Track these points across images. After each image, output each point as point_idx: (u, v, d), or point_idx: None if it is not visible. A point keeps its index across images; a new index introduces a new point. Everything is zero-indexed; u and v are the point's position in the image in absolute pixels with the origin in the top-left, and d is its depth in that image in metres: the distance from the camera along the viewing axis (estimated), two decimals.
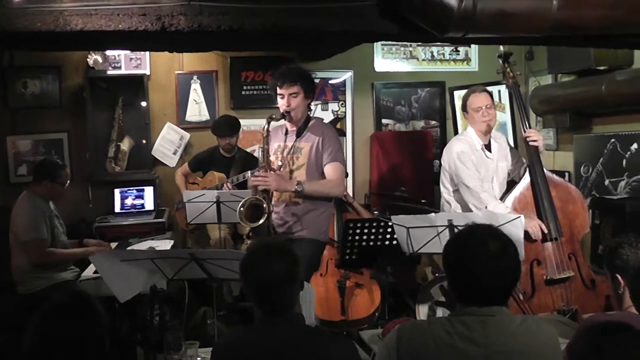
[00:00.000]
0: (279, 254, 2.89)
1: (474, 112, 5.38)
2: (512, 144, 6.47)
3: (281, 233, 5.08)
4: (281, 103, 5.02)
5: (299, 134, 5.12)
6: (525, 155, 5.47)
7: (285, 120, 5.08)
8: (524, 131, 5.40)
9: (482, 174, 5.37)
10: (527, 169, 5.33)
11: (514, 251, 2.65)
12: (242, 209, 4.95)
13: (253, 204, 4.95)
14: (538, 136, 5.36)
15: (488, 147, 5.49)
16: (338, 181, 5.09)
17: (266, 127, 4.99)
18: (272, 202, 5.05)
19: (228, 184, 6.61)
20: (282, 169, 5.08)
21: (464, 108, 5.50)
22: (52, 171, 5.76)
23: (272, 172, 4.96)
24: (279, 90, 5.00)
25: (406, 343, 2.62)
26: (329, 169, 5.03)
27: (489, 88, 5.71)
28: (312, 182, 4.99)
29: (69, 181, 5.88)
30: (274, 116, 5.03)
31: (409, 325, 2.72)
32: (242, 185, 6.61)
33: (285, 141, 5.15)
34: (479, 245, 2.61)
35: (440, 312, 5.19)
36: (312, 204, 5.06)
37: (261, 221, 4.88)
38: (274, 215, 5.09)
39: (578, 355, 3.17)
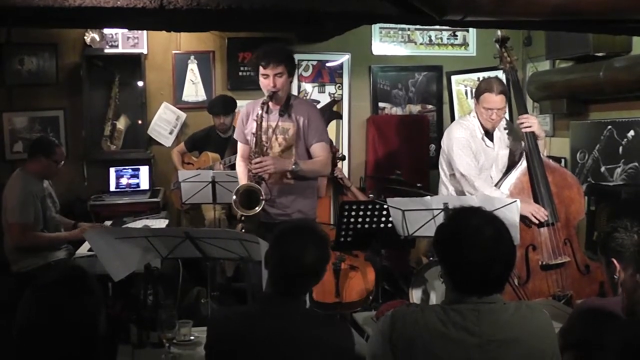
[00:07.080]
0: (315, 245, 2.95)
1: (483, 109, 5.29)
2: None
3: (274, 215, 5.02)
4: (265, 83, 4.90)
5: (282, 113, 5.01)
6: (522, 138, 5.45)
7: (271, 101, 4.96)
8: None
9: (482, 162, 5.34)
10: (524, 153, 5.32)
11: (509, 235, 2.61)
12: (235, 197, 4.93)
13: (247, 190, 4.93)
14: (532, 121, 5.31)
15: (489, 135, 5.44)
16: (327, 160, 5.10)
17: (260, 113, 4.90)
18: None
19: (221, 165, 6.61)
20: (268, 150, 5.00)
21: (476, 96, 5.39)
22: (46, 147, 5.75)
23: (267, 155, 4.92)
24: (263, 71, 4.86)
25: (399, 330, 2.58)
26: (317, 149, 5.01)
27: (486, 73, 5.69)
28: (305, 162, 4.97)
29: (63, 161, 5.87)
30: (266, 101, 4.93)
31: (402, 312, 2.67)
32: (235, 166, 6.61)
33: (268, 120, 5.02)
34: (473, 232, 2.56)
35: (434, 296, 5.20)
36: (303, 182, 5.04)
37: (257, 209, 4.86)
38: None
39: (572, 339, 3.19)
